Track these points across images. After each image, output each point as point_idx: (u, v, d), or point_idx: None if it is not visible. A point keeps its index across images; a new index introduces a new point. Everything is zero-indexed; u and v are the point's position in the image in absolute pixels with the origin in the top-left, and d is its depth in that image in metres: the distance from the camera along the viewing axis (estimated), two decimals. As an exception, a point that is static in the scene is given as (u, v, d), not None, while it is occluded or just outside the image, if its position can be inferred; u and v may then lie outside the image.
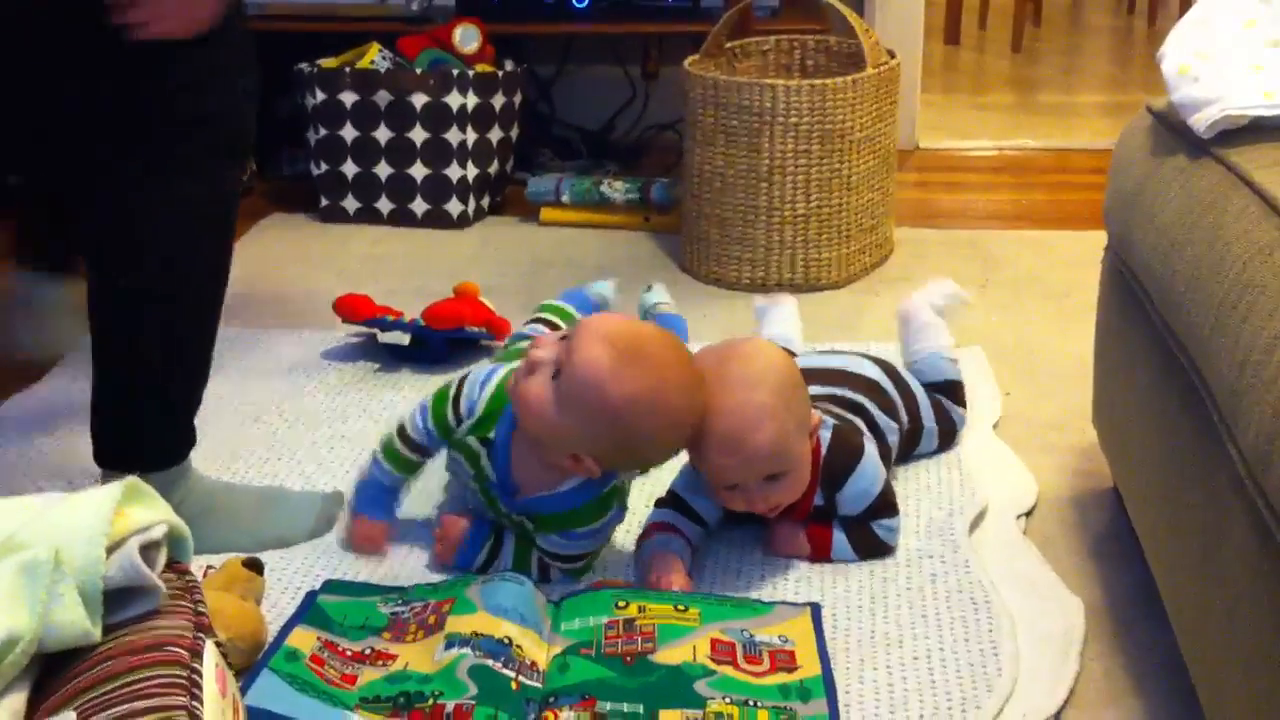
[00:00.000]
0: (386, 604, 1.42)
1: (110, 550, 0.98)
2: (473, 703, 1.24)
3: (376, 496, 1.58)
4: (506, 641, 1.32)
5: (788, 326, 1.95)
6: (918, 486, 1.71)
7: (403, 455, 1.56)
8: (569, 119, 3.22)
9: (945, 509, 1.65)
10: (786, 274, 2.41)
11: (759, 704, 1.26)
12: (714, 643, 1.34)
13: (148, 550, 1.01)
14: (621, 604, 1.40)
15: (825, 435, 1.55)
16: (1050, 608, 1.47)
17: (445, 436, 1.54)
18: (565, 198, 2.76)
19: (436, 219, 2.77)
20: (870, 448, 1.57)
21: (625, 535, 1.60)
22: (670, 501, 1.58)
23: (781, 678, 1.30)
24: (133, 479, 1.03)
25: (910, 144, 3.27)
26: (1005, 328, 2.24)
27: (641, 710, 1.25)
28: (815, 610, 1.41)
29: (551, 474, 1.46)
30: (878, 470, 1.55)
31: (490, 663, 1.29)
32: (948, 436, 1.79)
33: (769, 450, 1.44)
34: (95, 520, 0.98)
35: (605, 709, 1.25)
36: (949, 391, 1.81)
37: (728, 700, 1.26)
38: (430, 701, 1.25)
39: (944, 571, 1.52)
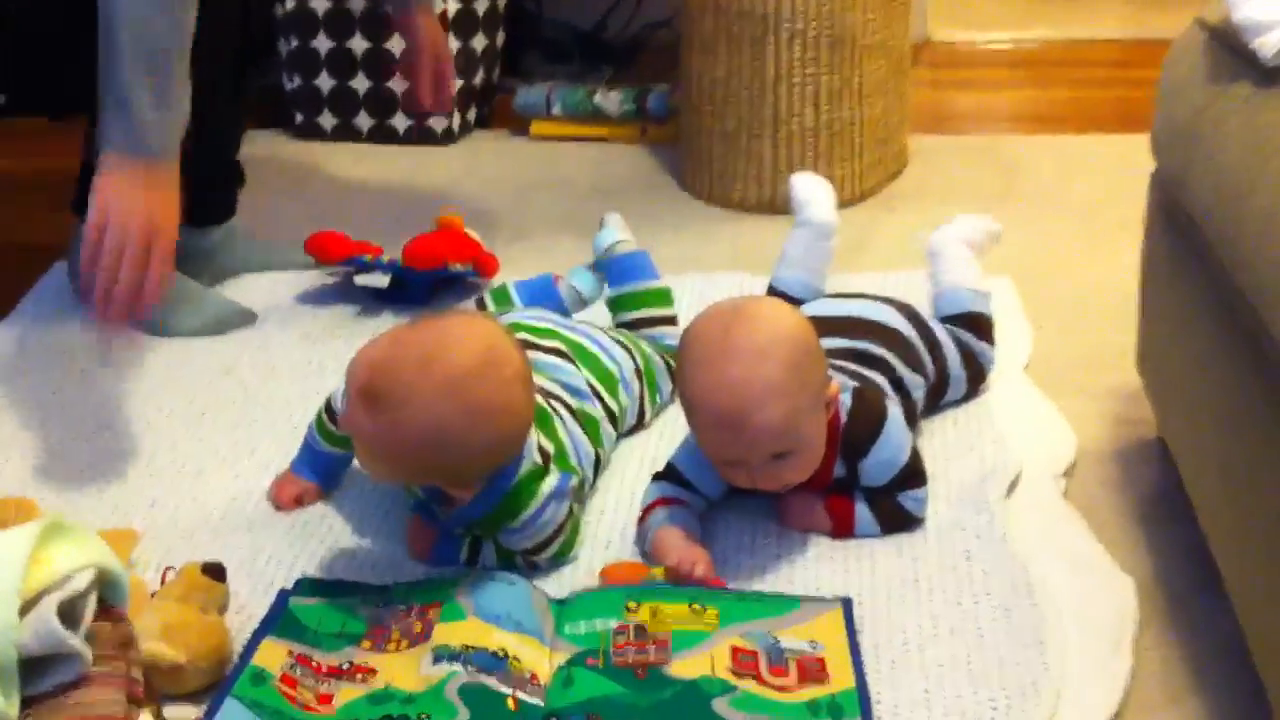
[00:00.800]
0: (366, 605, 1.29)
1: (26, 608, 0.83)
2: (463, 729, 1.11)
3: (311, 460, 1.50)
4: (501, 654, 1.19)
5: (823, 213, 1.72)
6: (945, 443, 1.56)
7: (328, 428, 1.47)
8: (558, 17, 3.01)
9: (976, 471, 1.50)
10: (795, 193, 2.23)
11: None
12: (735, 651, 1.20)
13: (74, 601, 0.87)
14: (633, 605, 1.26)
15: (845, 400, 1.40)
16: (1098, 588, 1.33)
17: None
18: (556, 109, 2.58)
19: (420, 135, 2.59)
20: (895, 411, 1.42)
21: (614, 501, 1.47)
22: (669, 475, 1.44)
23: (811, 692, 1.17)
24: (52, 516, 0.89)
25: (921, 36, 3.07)
26: (1030, 250, 2.08)
27: (655, 728, 1.12)
28: (847, 607, 1.28)
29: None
30: (904, 436, 1.41)
31: (484, 680, 1.16)
32: (976, 380, 1.64)
33: (776, 430, 1.29)
34: (5, 576, 0.83)
35: (612, 728, 1.12)
36: (975, 326, 1.66)
37: (749, 716, 1.13)
38: (416, 727, 1.12)
39: (979, 547, 1.37)
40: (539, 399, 1.39)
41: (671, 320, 1.69)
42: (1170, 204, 1.39)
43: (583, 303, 1.74)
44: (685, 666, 1.19)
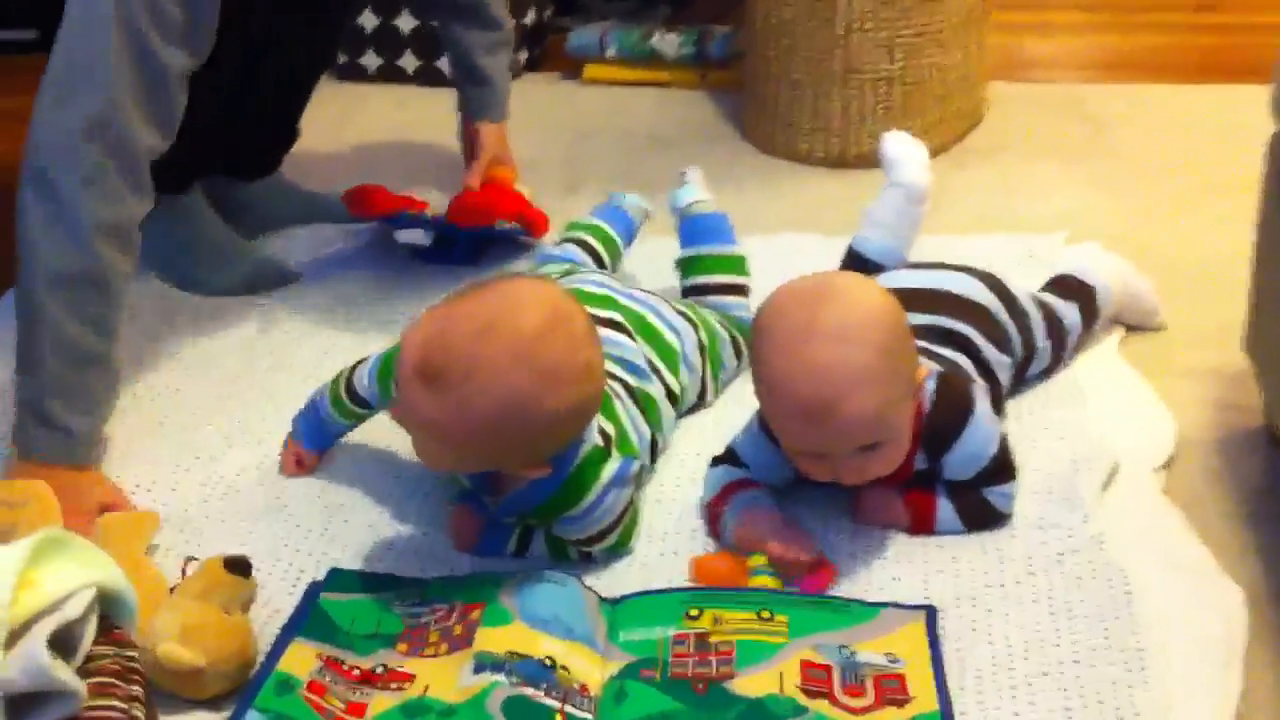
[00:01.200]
0: (402, 603, 1.18)
1: (14, 638, 0.73)
2: (507, 748, 1.01)
3: (315, 431, 1.41)
4: (549, 663, 1.08)
5: (917, 174, 1.60)
6: (1032, 428, 1.43)
7: (346, 404, 1.38)
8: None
9: (1068, 461, 1.37)
10: (866, 145, 2.09)
11: (863, 748, 1.02)
12: (805, 666, 1.09)
13: (70, 628, 0.77)
14: (694, 612, 1.16)
15: (929, 386, 1.28)
16: (1204, 598, 1.21)
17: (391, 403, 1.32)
18: (611, 51, 2.45)
19: (467, 78, 2.46)
20: (982, 403, 1.29)
21: (671, 489, 1.36)
22: (729, 460, 1.32)
23: (889, 716, 1.05)
24: (46, 531, 0.78)
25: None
26: (1117, 213, 1.94)
27: (716, 750, 1.02)
28: (930, 617, 1.16)
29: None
30: (992, 429, 1.28)
31: (528, 692, 1.06)
32: (1059, 352, 1.50)
33: (866, 421, 1.17)
34: (-11, 603, 0.73)
35: (668, 746, 1.02)
36: (1062, 286, 1.54)
37: (821, 742, 1.02)
38: (455, 744, 1.02)
39: (1072, 549, 1.25)
40: None
41: (742, 290, 1.57)
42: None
43: (646, 215, 1.67)
44: (751, 683, 1.08)
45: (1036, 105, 2.32)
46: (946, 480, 1.29)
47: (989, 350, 1.39)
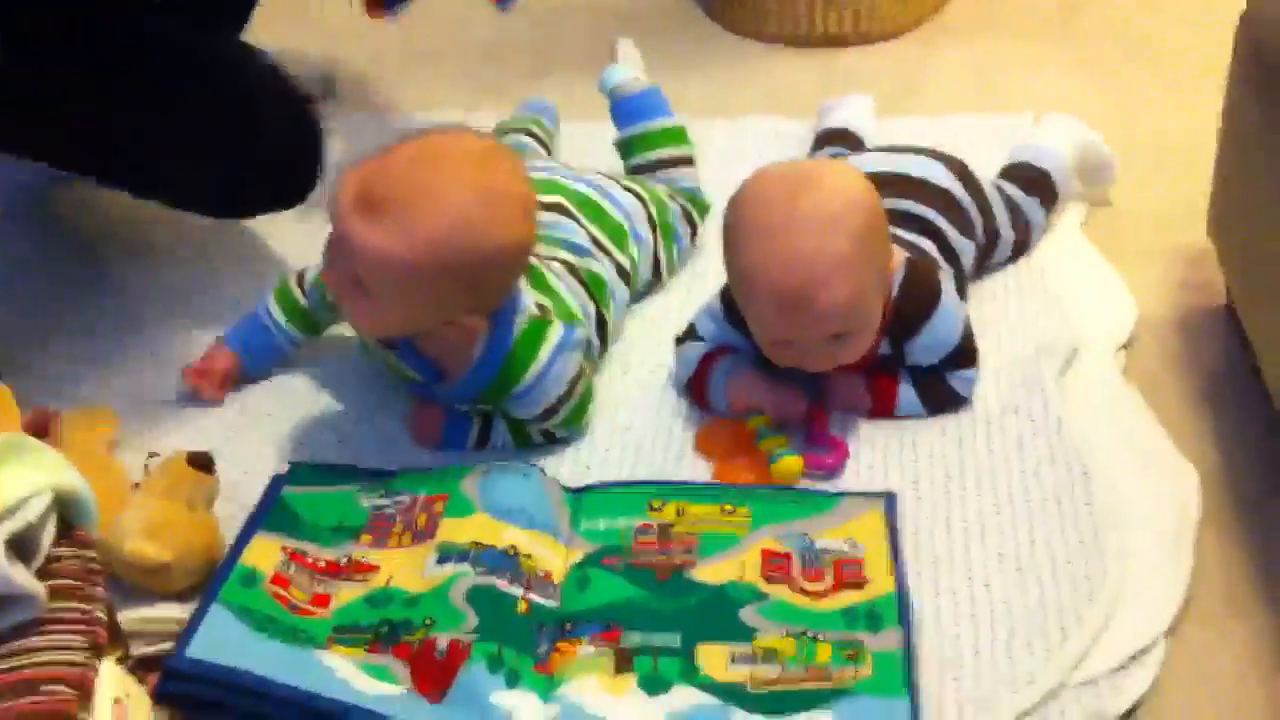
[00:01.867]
0: (367, 496, 1.19)
1: (-28, 542, 0.74)
2: (471, 637, 1.02)
3: (255, 345, 1.36)
4: (512, 552, 1.10)
5: (859, 119, 1.63)
6: (995, 313, 1.43)
7: (295, 302, 1.35)
8: None
9: (1029, 344, 1.38)
10: (833, 25, 2.06)
11: (819, 635, 1.04)
12: (766, 555, 1.11)
13: (29, 531, 0.77)
14: (657, 504, 1.17)
15: (897, 273, 1.28)
16: (1158, 479, 1.23)
17: (335, 314, 1.33)
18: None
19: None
20: (949, 287, 1.29)
21: (635, 370, 1.37)
22: (695, 335, 1.34)
23: (847, 598, 1.07)
24: (2, 435, 0.79)
25: None
26: (1092, 92, 1.92)
27: (676, 643, 1.04)
28: (890, 503, 1.17)
29: (460, 344, 1.22)
30: (957, 315, 1.29)
31: (493, 581, 1.07)
32: (1023, 242, 1.51)
33: (843, 310, 1.17)
34: (-55, 507, 0.73)
35: (633, 641, 1.04)
36: (1027, 181, 1.53)
37: (781, 632, 1.04)
38: (420, 633, 1.04)
39: (1032, 433, 1.27)
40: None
41: (688, 160, 1.56)
42: (1263, 50, 1.24)
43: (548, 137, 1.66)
44: (712, 571, 1.10)
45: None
46: (909, 365, 1.30)
47: (953, 235, 1.39)
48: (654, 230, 1.48)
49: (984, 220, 1.45)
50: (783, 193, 1.18)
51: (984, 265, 1.48)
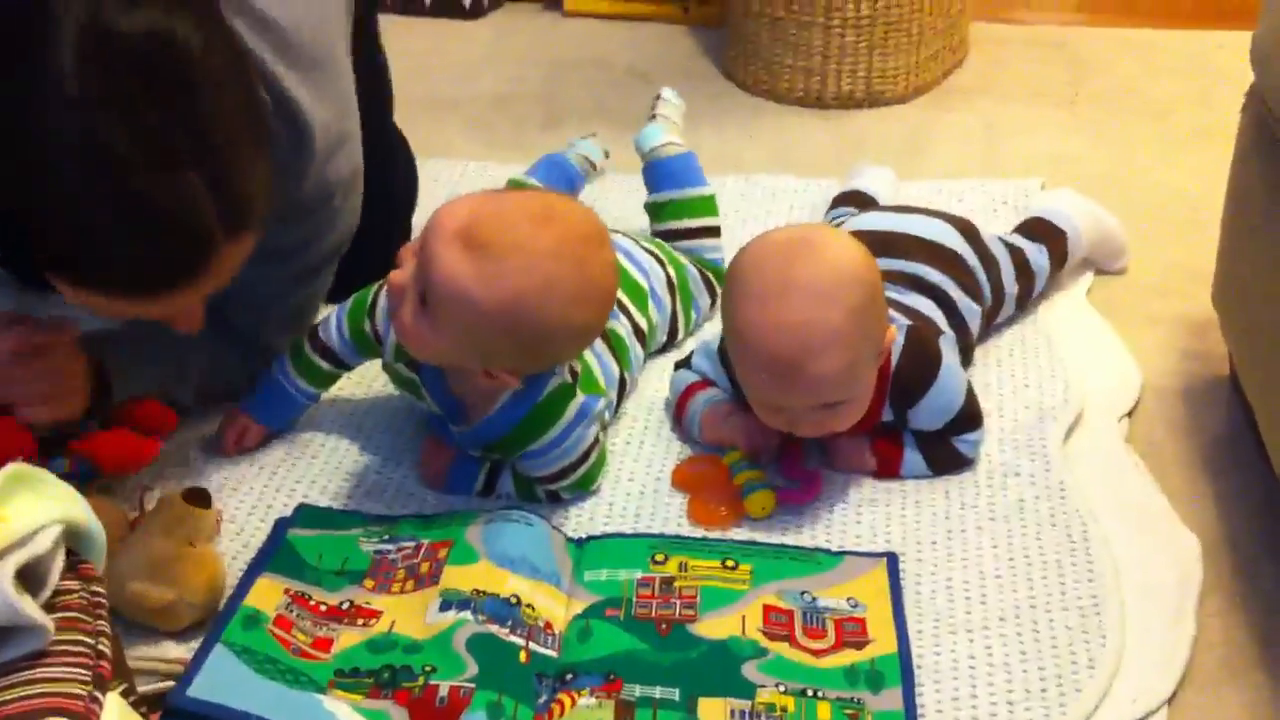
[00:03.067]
0: (370, 539, 1.20)
1: (-19, 574, 0.74)
2: (472, 685, 1.02)
3: (269, 400, 1.34)
4: (514, 601, 1.10)
5: (877, 184, 1.66)
6: (1000, 376, 1.45)
7: (313, 361, 1.33)
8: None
9: (1034, 408, 1.39)
10: (846, 85, 2.09)
11: (820, 694, 1.04)
12: (768, 611, 1.11)
13: (38, 563, 0.78)
14: (660, 557, 1.17)
15: (897, 340, 1.28)
16: (1160, 547, 1.23)
17: (364, 349, 1.32)
18: (595, -17, 2.42)
19: (445, 7, 2.44)
20: (950, 355, 1.30)
21: (641, 429, 1.37)
22: (689, 365, 1.38)
23: (849, 656, 1.08)
24: (12, 467, 0.79)
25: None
26: (1097, 154, 1.94)
27: (677, 697, 1.04)
28: (892, 563, 1.18)
29: (488, 391, 1.23)
30: (959, 382, 1.29)
31: (494, 629, 1.07)
32: (1026, 297, 1.52)
33: (833, 382, 1.18)
34: (-43, 539, 0.74)
35: (634, 694, 1.04)
36: (1031, 229, 1.55)
37: (782, 689, 1.04)
38: (421, 680, 1.04)
39: (1034, 497, 1.27)
40: None
41: (714, 231, 1.57)
42: (1268, 123, 1.25)
43: (593, 167, 1.64)
44: (714, 626, 1.10)
45: (1022, 47, 2.31)
46: (913, 430, 1.30)
47: (960, 300, 1.40)
48: (673, 295, 1.48)
49: (990, 279, 1.46)
50: (781, 259, 1.19)
51: (991, 324, 1.49)
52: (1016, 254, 1.51)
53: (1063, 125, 2.04)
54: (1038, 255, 1.53)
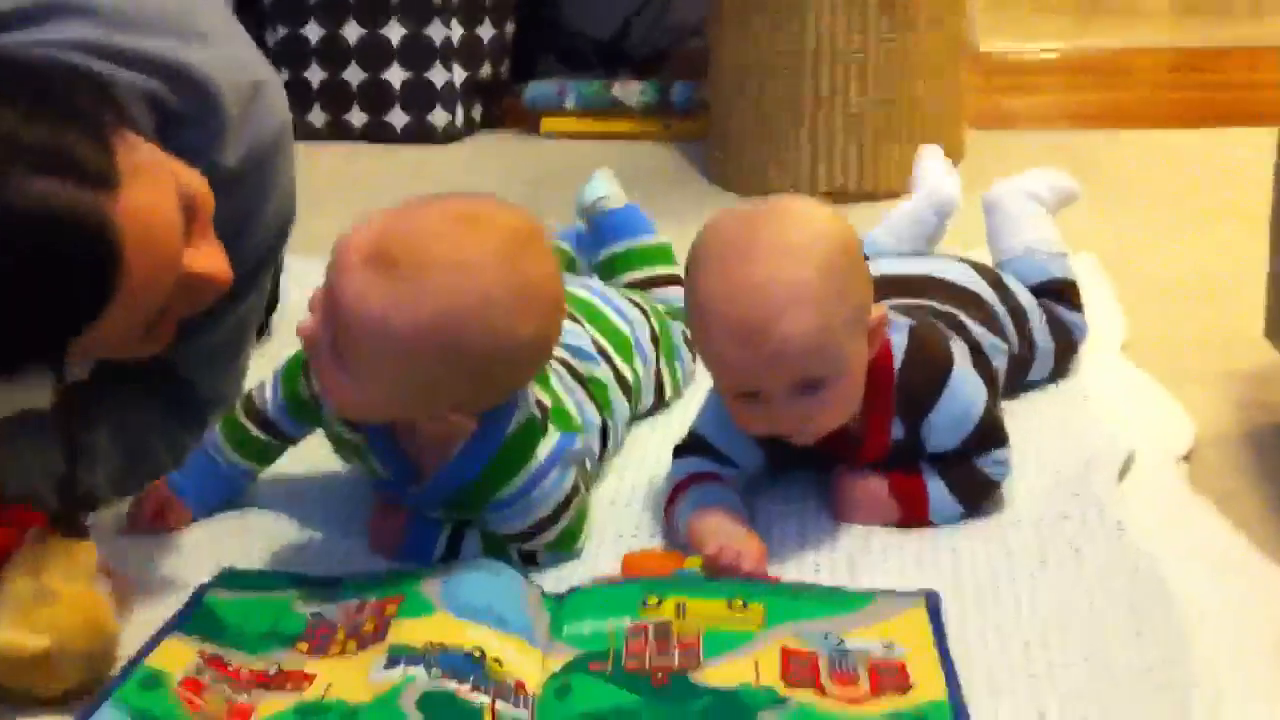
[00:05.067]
0: (307, 602, 1.00)
1: None
2: (422, 751, 0.82)
3: (196, 477, 1.15)
4: (478, 655, 0.90)
5: (952, 187, 1.47)
6: (1036, 428, 1.27)
7: (248, 433, 1.14)
8: (574, 24, 2.76)
9: (1076, 458, 1.21)
10: (837, 179, 1.98)
11: (855, 746, 0.83)
12: (786, 655, 0.91)
13: None
14: (654, 600, 0.98)
15: (898, 340, 1.12)
16: (1244, 589, 1.04)
17: (302, 416, 1.14)
18: (570, 102, 2.34)
19: (419, 133, 2.35)
20: (963, 359, 1.14)
21: (629, 489, 1.19)
22: (694, 446, 1.16)
23: (890, 703, 0.87)
24: None
25: (970, 47, 2.82)
26: (1110, 236, 1.82)
27: (676, 750, 0.83)
28: (933, 602, 0.98)
29: (440, 438, 1.04)
30: (975, 385, 1.12)
31: (452, 686, 0.87)
32: (1065, 354, 1.36)
33: (803, 344, 1.00)
34: None
35: (618, 749, 0.83)
36: (1059, 294, 1.38)
37: (804, 737, 0.84)
38: (358, 748, 0.83)
39: (1089, 539, 1.08)
40: None
41: (678, 280, 1.41)
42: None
43: (571, 263, 1.47)
44: (720, 673, 0.90)
45: (1020, 150, 2.22)
46: (932, 455, 1.12)
47: (977, 330, 1.24)
48: (656, 346, 1.33)
49: (1016, 325, 1.30)
50: (746, 224, 1.05)
51: (1023, 379, 1.32)
52: (1050, 312, 1.36)
53: (1069, 211, 1.91)
54: (1075, 319, 1.38)
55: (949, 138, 2.09)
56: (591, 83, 2.35)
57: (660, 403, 1.34)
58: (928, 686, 0.88)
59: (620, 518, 1.16)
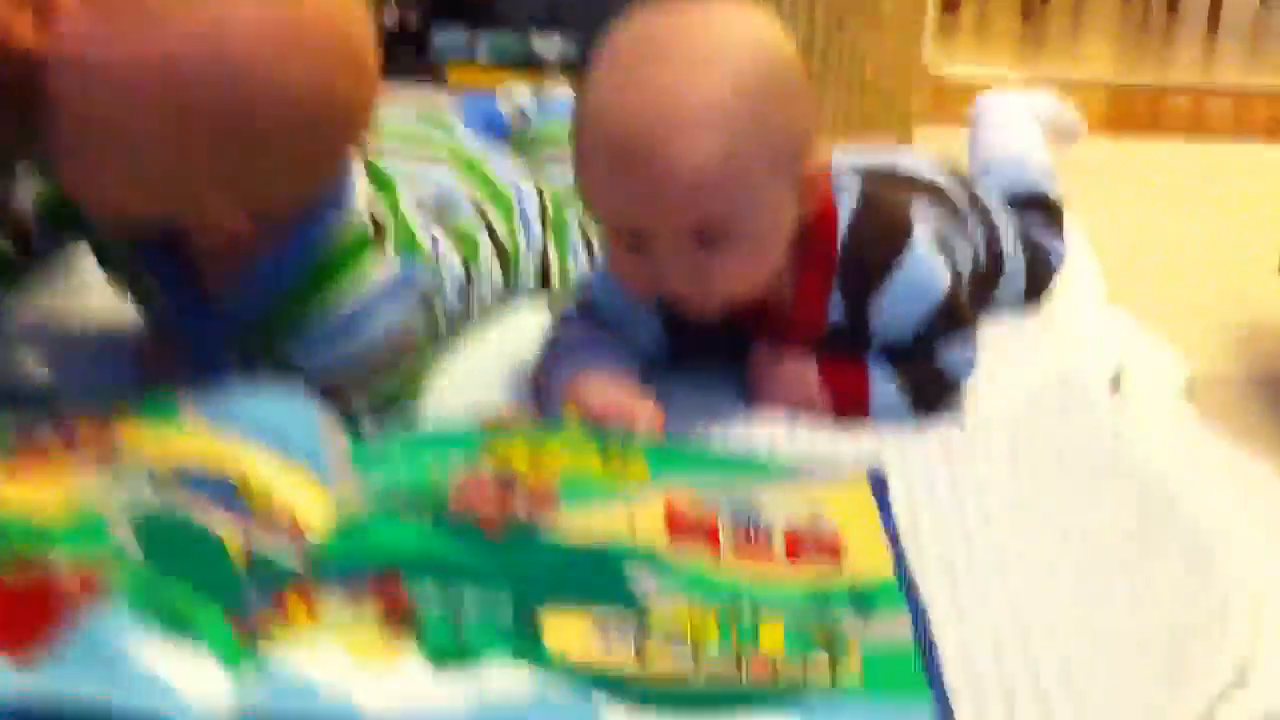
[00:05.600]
0: (19, 415, 0.72)
1: None
2: (118, 572, 0.55)
3: None
4: (237, 480, 0.63)
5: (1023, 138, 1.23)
6: (1008, 335, 1.02)
7: None
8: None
9: (1054, 374, 0.97)
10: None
11: (765, 613, 0.57)
12: (673, 510, 0.65)
13: None
14: (501, 448, 0.71)
15: (846, 202, 0.88)
16: (1267, 507, 0.80)
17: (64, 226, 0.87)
18: (482, 54, 2.10)
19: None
20: (923, 227, 0.90)
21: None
22: (578, 312, 0.92)
23: (813, 572, 0.61)
24: None
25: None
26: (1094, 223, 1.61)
27: (504, 603, 0.57)
28: (876, 477, 0.73)
29: (227, 250, 0.79)
30: (934, 261, 0.88)
31: (190, 515, 0.60)
32: (1039, 279, 1.12)
33: (697, 175, 0.77)
34: None
35: (421, 596, 0.57)
36: (1043, 211, 1.15)
37: (693, 599, 0.57)
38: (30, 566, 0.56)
39: (1078, 443, 0.84)
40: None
41: None
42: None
43: (526, 119, 1.23)
44: (582, 524, 0.63)
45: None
46: (880, 343, 0.88)
47: (940, 224, 0.99)
48: (544, 226, 1.08)
49: (984, 226, 1.07)
50: (660, 23, 0.82)
51: (988, 294, 1.08)
52: (1024, 229, 1.13)
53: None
54: (1053, 243, 1.15)
55: (896, 110, 1.89)
56: (506, 34, 2.12)
57: (545, 289, 1.08)
58: (866, 561, 0.63)
59: (475, 390, 0.89)
